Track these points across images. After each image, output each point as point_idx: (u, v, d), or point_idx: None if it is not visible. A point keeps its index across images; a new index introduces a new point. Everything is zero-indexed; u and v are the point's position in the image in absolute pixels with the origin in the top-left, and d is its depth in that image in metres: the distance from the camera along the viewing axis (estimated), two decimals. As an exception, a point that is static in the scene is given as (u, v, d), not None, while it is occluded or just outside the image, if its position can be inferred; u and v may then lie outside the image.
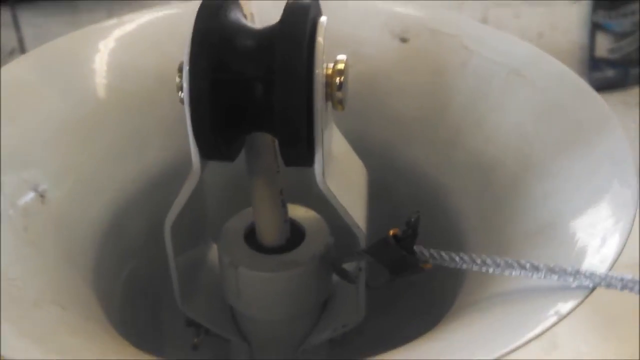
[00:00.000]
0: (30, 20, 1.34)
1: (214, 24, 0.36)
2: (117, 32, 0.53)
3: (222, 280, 0.47)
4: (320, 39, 0.36)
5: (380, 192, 0.49)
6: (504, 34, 0.52)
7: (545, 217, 0.42)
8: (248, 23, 0.39)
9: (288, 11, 0.36)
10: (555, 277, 0.35)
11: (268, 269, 0.45)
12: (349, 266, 0.45)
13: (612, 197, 0.40)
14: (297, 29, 0.35)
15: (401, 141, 0.52)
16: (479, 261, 0.37)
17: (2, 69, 0.47)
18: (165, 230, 0.43)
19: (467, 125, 0.49)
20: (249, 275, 0.45)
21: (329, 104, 0.37)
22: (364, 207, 0.44)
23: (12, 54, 1.28)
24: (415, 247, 0.39)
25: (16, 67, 0.49)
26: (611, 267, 0.35)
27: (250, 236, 0.46)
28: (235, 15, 0.38)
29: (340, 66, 0.37)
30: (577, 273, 0.34)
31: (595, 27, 1.28)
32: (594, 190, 0.41)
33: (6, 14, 1.28)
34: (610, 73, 1.28)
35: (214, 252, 0.50)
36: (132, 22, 0.53)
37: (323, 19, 0.37)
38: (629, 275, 0.33)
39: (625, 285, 0.33)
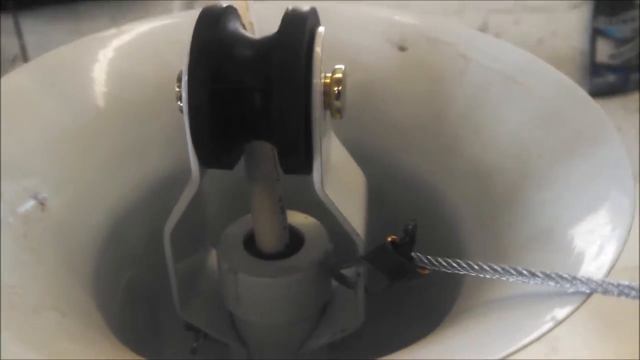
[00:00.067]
0: (32, 28, 1.34)
1: (213, 34, 0.37)
2: (117, 42, 0.53)
3: (221, 286, 0.47)
4: (318, 49, 0.36)
5: (378, 199, 0.49)
6: (500, 41, 0.52)
7: (543, 224, 0.42)
8: (247, 33, 0.39)
9: (286, 21, 0.37)
10: (552, 283, 0.35)
11: (267, 275, 0.45)
12: (348, 272, 0.45)
13: (609, 204, 0.40)
14: (295, 39, 0.36)
15: (399, 149, 0.52)
16: (476, 267, 0.37)
17: (3, 78, 0.48)
18: (165, 237, 0.44)
19: (465, 133, 0.49)
20: (248, 281, 0.45)
21: (327, 112, 0.38)
22: (363, 214, 0.45)
23: (14, 61, 1.28)
24: (413, 254, 0.39)
25: (16, 77, 0.49)
26: (608, 274, 0.36)
27: (250, 242, 0.47)
28: (234, 24, 0.38)
29: (338, 75, 0.37)
30: (574, 279, 0.34)
31: (595, 33, 1.28)
32: (591, 197, 0.41)
33: (8, 21, 1.28)
34: (610, 78, 1.28)
35: (213, 258, 0.50)
36: (132, 31, 0.53)
37: (321, 29, 0.37)
38: (625, 281, 0.33)
39: (622, 292, 0.33)
